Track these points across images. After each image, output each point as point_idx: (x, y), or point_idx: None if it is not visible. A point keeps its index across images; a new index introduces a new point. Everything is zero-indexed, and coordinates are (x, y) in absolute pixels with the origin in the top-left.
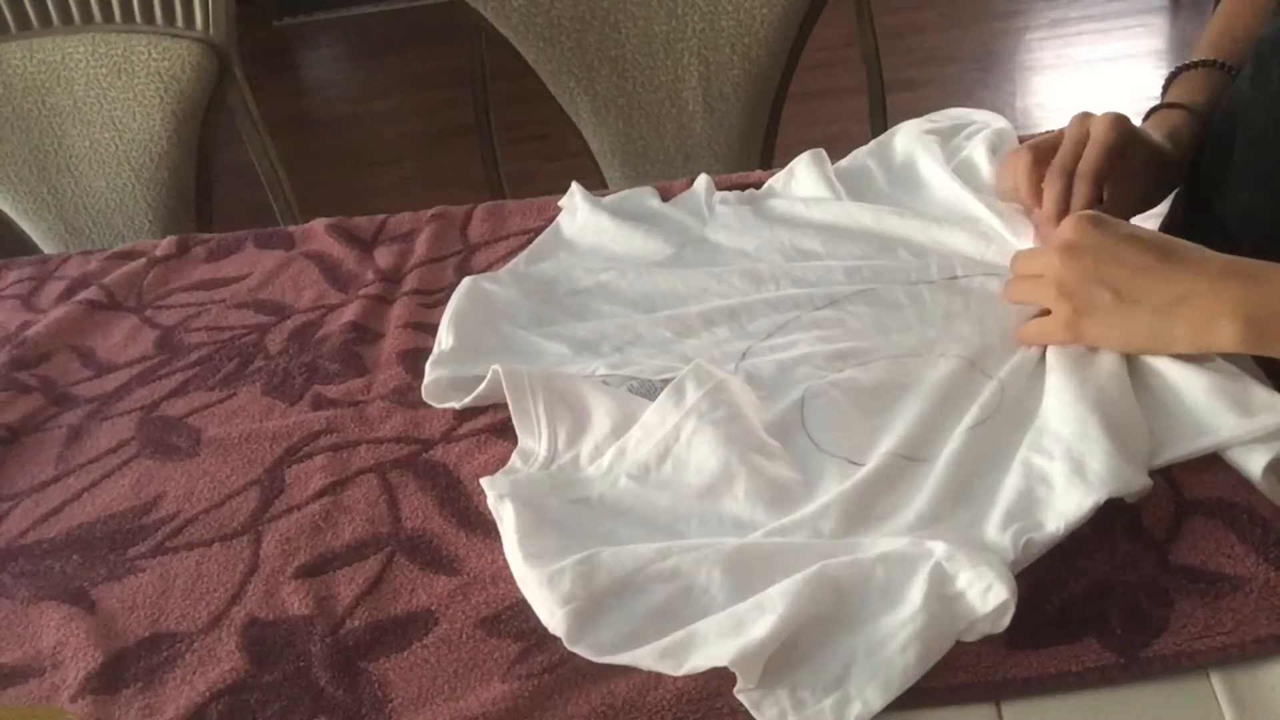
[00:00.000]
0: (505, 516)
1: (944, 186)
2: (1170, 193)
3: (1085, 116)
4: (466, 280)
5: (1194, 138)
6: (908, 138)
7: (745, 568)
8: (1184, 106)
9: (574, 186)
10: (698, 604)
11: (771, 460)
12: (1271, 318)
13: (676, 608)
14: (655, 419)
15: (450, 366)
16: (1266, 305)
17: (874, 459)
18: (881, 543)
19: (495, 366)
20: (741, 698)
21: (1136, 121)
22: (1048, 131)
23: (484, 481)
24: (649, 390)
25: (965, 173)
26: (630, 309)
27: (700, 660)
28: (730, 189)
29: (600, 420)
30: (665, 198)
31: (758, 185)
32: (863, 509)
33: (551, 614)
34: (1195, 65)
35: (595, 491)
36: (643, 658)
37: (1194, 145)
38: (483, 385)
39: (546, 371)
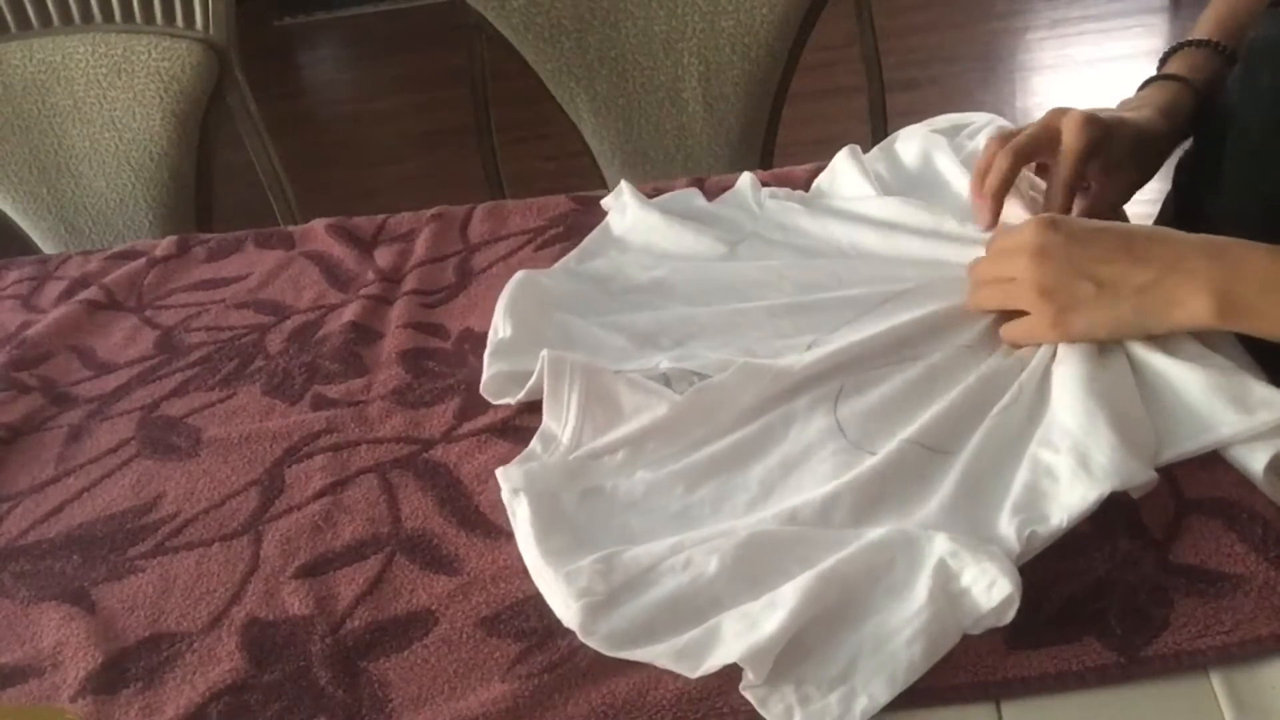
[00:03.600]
0: (519, 511)
1: (964, 184)
2: (1163, 163)
3: (1060, 112)
4: (520, 273)
5: (1192, 110)
6: (914, 140)
7: (755, 557)
8: (1183, 79)
9: (623, 184)
10: (708, 593)
11: (793, 455)
12: (1241, 291)
13: (687, 597)
14: (679, 425)
15: (510, 359)
16: (1236, 280)
17: (890, 445)
18: (889, 534)
19: (544, 352)
20: (748, 694)
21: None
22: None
23: (499, 473)
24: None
25: (971, 167)
26: (688, 305)
27: (715, 660)
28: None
29: (630, 424)
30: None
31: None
32: (875, 498)
33: (567, 607)
34: (1193, 44)
35: (609, 482)
36: (659, 656)
37: (1192, 118)
38: (535, 376)
39: (591, 364)
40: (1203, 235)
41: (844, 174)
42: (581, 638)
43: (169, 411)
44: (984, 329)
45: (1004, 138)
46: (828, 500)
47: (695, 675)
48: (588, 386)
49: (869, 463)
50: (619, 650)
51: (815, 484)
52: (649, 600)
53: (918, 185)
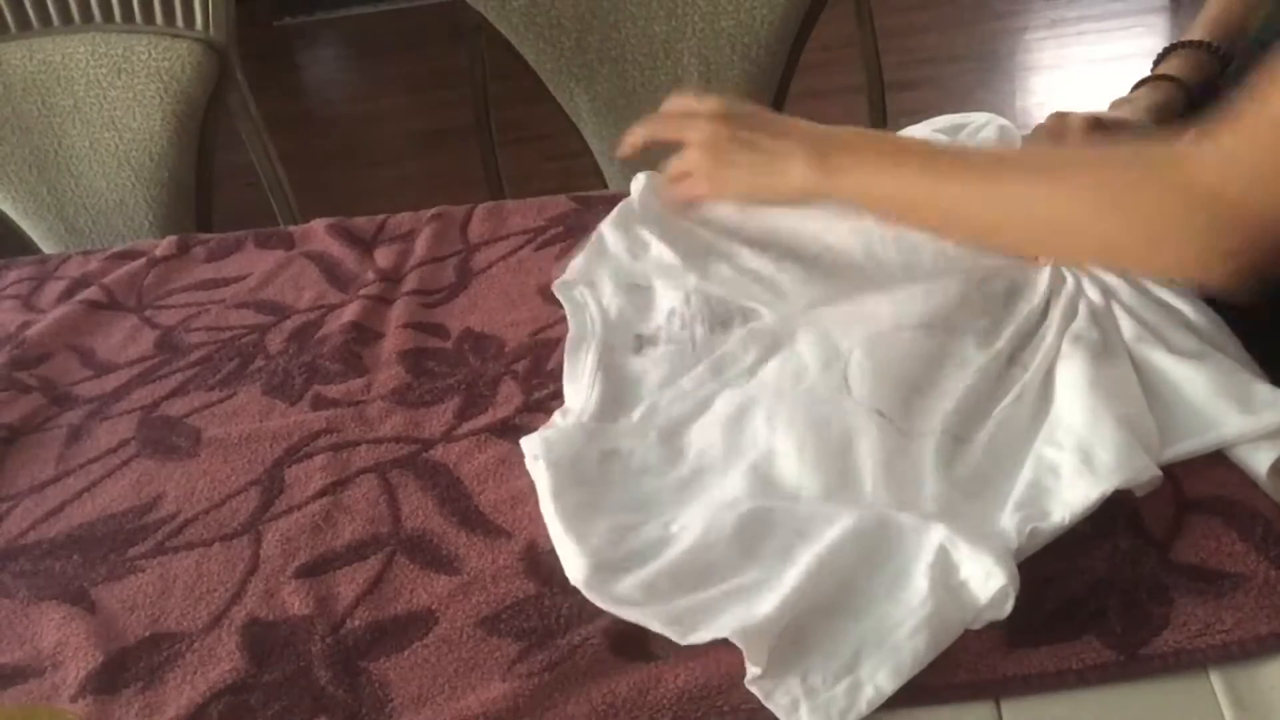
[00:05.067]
0: (539, 476)
1: None
2: None
3: (1061, 117)
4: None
5: (1183, 112)
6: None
7: (754, 527)
8: (1176, 80)
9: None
10: (705, 560)
11: (803, 427)
12: (830, 152)
13: (686, 563)
14: (690, 384)
15: (576, 271)
16: (828, 143)
17: (916, 437)
18: (885, 521)
19: (569, 334)
20: (753, 688)
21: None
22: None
23: (522, 441)
24: (724, 315)
25: None
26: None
27: (706, 633)
28: None
29: (643, 393)
30: None
31: None
32: (880, 474)
33: (575, 562)
34: (1188, 45)
35: (625, 445)
36: (652, 619)
37: (1183, 119)
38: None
39: (607, 340)
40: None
41: None
42: (584, 592)
43: (169, 411)
44: (995, 315)
45: None
46: (833, 471)
47: (684, 643)
48: (603, 360)
49: (881, 437)
50: (616, 608)
51: (824, 452)
52: (652, 568)
53: None
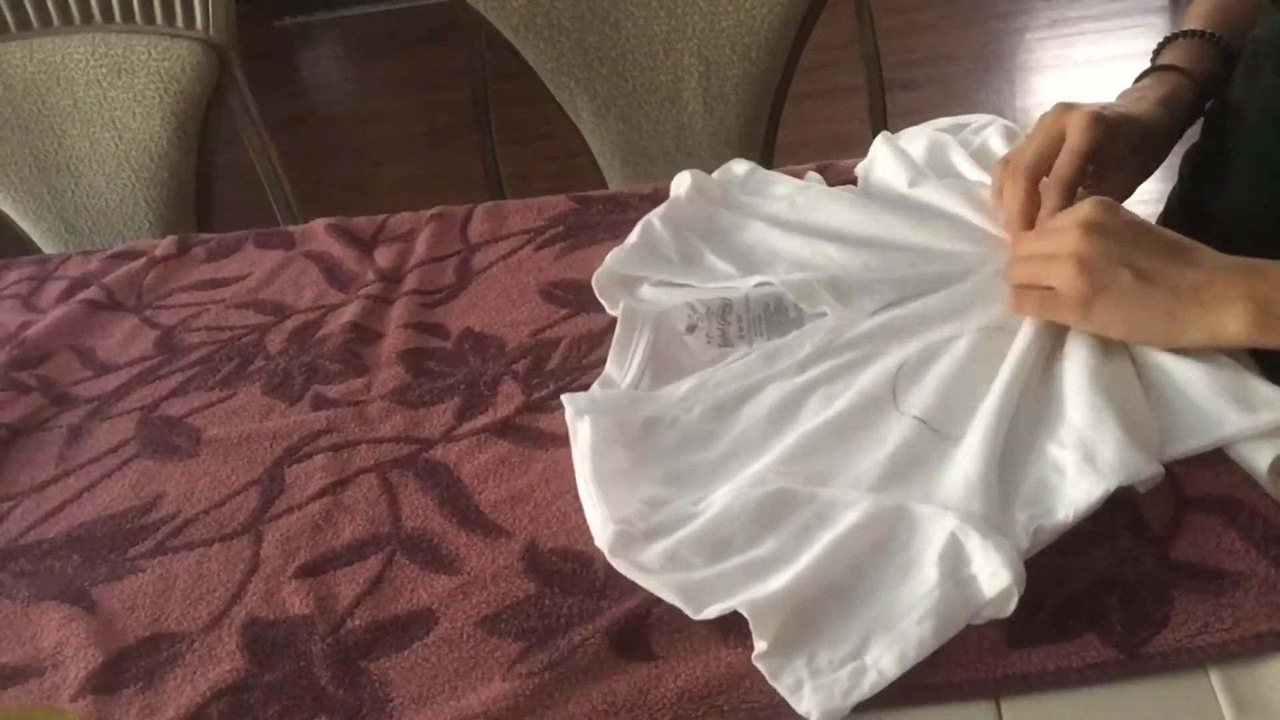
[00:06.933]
0: (580, 432)
1: (974, 173)
2: (1164, 158)
3: (1063, 111)
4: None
5: (1191, 102)
6: (919, 139)
7: (775, 506)
8: (1181, 70)
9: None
10: (725, 533)
11: (845, 419)
12: (1276, 303)
13: (708, 532)
14: (742, 368)
15: (620, 262)
16: (1272, 293)
17: (952, 439)
18: (900, 509)
19: (621, 303)
20: (759, 664)
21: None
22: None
23: (564, 398)
24: (780, 324)
25: (984, 159)
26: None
27: (718, 607)
28: None
29: (689, 378)
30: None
31: None
32: (907, 471)
33: (603, 526)
34: (1187, 35)
35: (669, 414)
36: (668, 589)
37: (1191, 109)
38: (620, 310)
39: (662, 320)
40: (1239, 257)
41: (887, 164)
42: (608, 556)
43: (169, 411)
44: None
45: (1012, 159)
46: (864, 464)
47: (697, 618)
48: (655, 340)
49: (915, 439)
50: (635, 575)
51: (861, 448)
52: (675, 537)
53: (928, 178)
